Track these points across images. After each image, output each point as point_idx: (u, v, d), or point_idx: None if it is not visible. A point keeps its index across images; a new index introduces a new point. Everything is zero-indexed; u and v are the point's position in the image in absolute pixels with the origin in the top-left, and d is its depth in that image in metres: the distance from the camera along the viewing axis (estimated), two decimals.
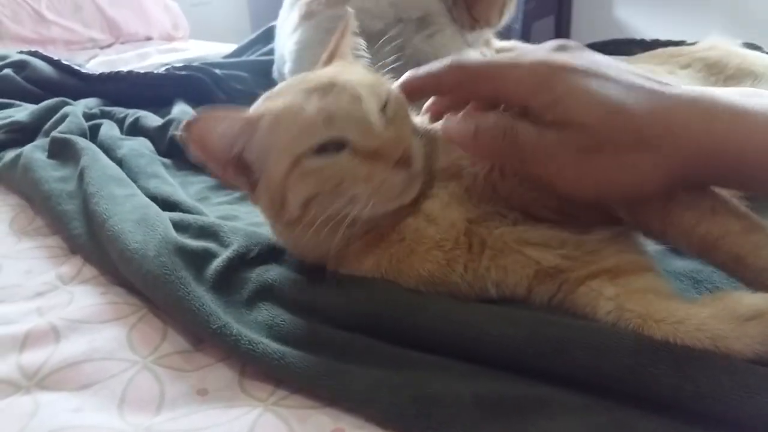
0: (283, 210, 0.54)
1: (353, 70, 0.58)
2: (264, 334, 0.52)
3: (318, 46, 1.09)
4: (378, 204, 0.51)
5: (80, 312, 0.60)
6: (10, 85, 1.32)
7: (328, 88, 0.53)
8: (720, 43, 0.92)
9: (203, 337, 0.55)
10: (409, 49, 1.13)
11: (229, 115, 0.54)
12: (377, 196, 0.51)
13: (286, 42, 1.16)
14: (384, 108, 0.54)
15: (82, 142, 0.92)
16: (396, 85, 0.56)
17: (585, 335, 0.44)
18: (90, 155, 0.86)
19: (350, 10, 0.65)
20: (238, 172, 0.56)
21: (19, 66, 1.38)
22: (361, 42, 0.66)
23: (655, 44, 1.19)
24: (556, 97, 0.46)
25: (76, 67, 1.38)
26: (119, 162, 0.91)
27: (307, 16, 1.13)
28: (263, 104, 0.57)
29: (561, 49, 0.50)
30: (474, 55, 1.20)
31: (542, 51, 0.50)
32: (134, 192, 0.77)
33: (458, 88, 0.52)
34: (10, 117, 1.12)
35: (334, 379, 0.46)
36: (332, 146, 0.51)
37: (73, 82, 1.34)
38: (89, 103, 1.22)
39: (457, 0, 1.11)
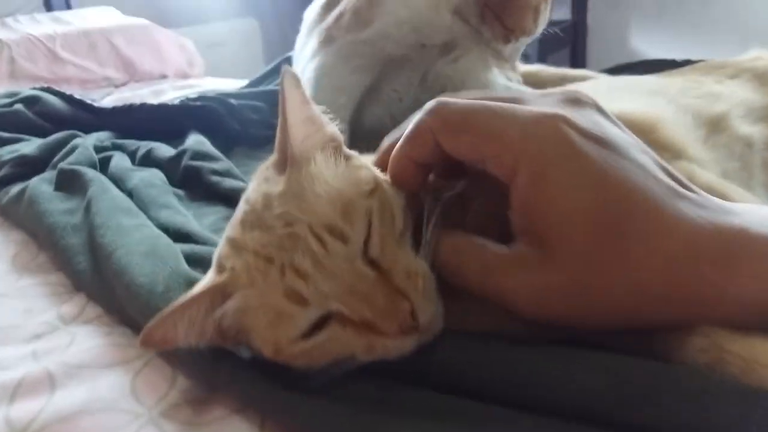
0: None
1: (315, 188, 0.45)
2: (283, 381, 0.45)
3: (337, 72, 1.04)
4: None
5: (80, 356, 0.54)
6: (21, 121, 1.28)
7: (289, 240, 0.43)
8: (765, 53, 0.86)
9: (216, 385, 0.48)
10: (432, 74, 1.07)
11: (187, 303, 0.44)
12: (386, 356, 0.43)
13: (304, 69, 1.11)
14: (368, 240, 0.43)
15: (91, 173, 0.87)
16: (374, 166, 0.48)
17: (677, 379, 0.36)
18: (98, 186, 0.81)
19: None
20: (224, 339, 0.47)
21: (30, 101, 1.34)
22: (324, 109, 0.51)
23: (687, 64, 1.13)
24: (548, 200, 0.40)
25: (89, 102, 1.34)
26: (129, 193, 0.85)
27: (326, 41, 1.08)
28: (230, 252, 0.46)
29: (574, 104, 0.44)
30: (499, 81, 1.14)
31: (549, 101, 0.44)
32: (144, 223, 0.71)
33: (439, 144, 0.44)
34: (17, 151, 1.07)
35: None
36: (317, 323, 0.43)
37: (86, 117, 1.30)
38: (101, 136, 1.18)
39: (485, 14, 1.05)
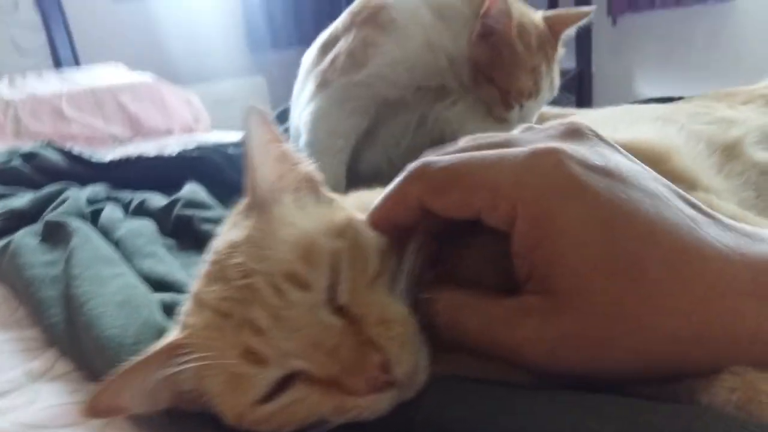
0: None
1: (278, 233, 0.41)
2: None
3: (333, 115, 1.02)
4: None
5: (39, 414, 0.50)
6: (17, 176, 1.27)
7: (247, 292, 0.38)
8: None
9: None
10: (431, 118, 1.04)
11: (135, 366, 0.40)
12: (360, 417, 0.37)
13: (301, 114, 1.09)
14: (335, 286, 0.39)
15: (76, 224, 0.83)
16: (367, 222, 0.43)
17: (705, 425, 0.31)
18: (82, 236, 0.78)
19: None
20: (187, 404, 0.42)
21: (28, 157, 1.33)
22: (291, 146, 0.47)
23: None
24: (552, 247, 0.35)
25: (86, 156, 1.33)
26: (116, 243, 0.82)
27: (322, 85, 1.06)
28: (192, 309, 0.42)
29: (572, 135, 0.39)
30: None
31: (543, 136, 0.40)
32: (124, 272, 0.67)
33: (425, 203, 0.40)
34: (9, 206, 1.05)
35: None
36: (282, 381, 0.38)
37: (83, 171, 1.29)
38: (96, 189, 1.15)
39: (478, 79, 0.97)
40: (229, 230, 0.44)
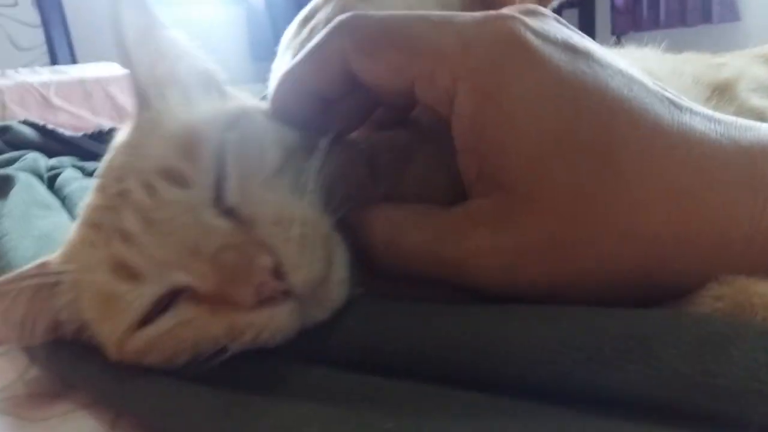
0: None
1: (158, 130, 0.35)
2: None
3: None
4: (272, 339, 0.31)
5: None
6: None
7: (119, 198, 0.33)
8: None
9: (71, 378, 0.37)
10: None
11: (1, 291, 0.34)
12: (259, 340, 0.31)
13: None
14: (222, 182, 0.32)
15: (23, 177, 0.78)
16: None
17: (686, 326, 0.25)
18: (24, 184, 0.72)
19: None
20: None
21: (0, 131, 1.29)
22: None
23: None
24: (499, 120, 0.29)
25: (60, 131, 1.29)
26: (63, 199, 0.77)
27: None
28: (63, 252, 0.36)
29: (530, 14, 0.33)
30: None
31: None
32: (56, 217, 0.62)
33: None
34: None
35: None
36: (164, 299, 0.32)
37: (56, 146, 1.24)
38: (63, 159, 1.11)
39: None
40: (118, 137, 0.38)
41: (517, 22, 0.30)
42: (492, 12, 0.31)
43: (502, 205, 0.29)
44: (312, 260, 0.31)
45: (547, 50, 0.30)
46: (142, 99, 0.36)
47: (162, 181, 0.32)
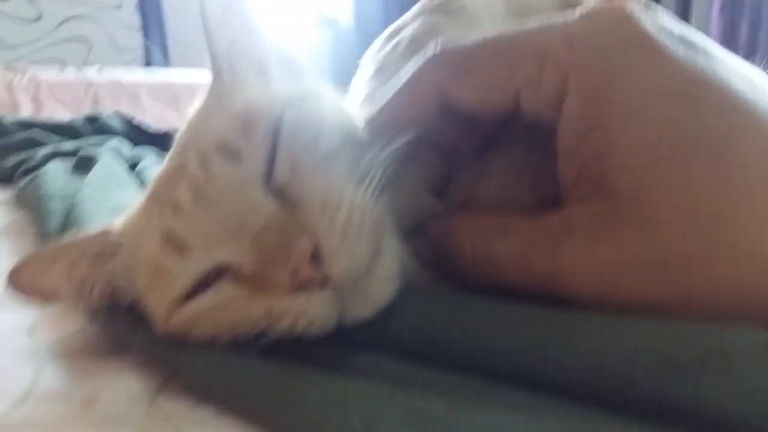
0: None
1: (226, 105, 0.35)
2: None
3: None
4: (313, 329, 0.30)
5: None
6: (75, 133, 1.28)
7: (178, 171, 0.33)
8: None
9: (127, 343, 0.38)
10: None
11: (64, 246, 0.36)
12: (297, 327, 0.30)
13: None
14: (272, 170, 0.32)
15: (106, 155, 0.81)
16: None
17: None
18: (106, 161, 0.75)
19: None
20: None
21: (90, 120, 1.36)
22: None
23: None
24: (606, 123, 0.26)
25: (146, 125, 1.35)
26: (142, 182, 0.79)
27: (380, 70, 1.02)
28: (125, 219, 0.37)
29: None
30: None
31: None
32: (133, 192, 0.64)
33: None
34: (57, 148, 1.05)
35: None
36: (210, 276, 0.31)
37: (140, 138, 1.30)
38: (145, 149, 1.15)
39: None
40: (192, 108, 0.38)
41: (631, 10, 0.28)
42: (598, 6, 0.29)
43: (602, 214, 0.26)
44: (355, 250, 0.29)
45: (666, 41, 0.27)
46: (217, 72, 0.36)
47: (217, 155, 0.31)
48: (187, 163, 0.32)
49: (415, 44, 1.07)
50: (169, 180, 0.33)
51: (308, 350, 0.30)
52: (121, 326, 0.37)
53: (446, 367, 0.28)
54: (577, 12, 0.29)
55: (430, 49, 0.32)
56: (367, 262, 0.29)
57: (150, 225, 0.33)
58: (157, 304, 0.33)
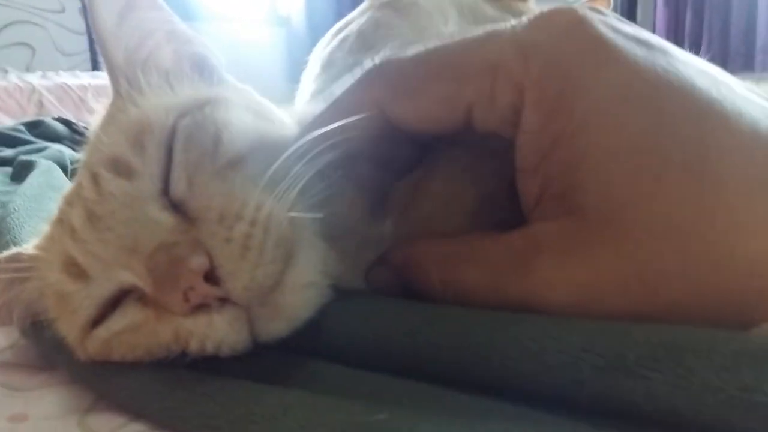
0: None
1: (122, 117, 0.32)
2: None
3: None
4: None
5: None
6: (16, 140, 1.23)
7: (75, 190, 0.32)
8: None
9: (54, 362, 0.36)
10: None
11: None
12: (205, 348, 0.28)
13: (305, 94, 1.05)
14: (168, 183, 0.29)
15: (44, 162, 0.78)
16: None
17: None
18: (44, 167, 0.72)
19: None
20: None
21: (33, 125, 1.31)
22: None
23: None
24: (573, 131, 0.25)
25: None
26: None
27: (327, 65, 1.01)
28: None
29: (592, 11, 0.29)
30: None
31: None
32: None
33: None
34: None
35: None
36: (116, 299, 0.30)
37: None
38: None
39: None
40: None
41: (583, 13, 0.26)
42: (547, 10, 0.27)
43: (572, 231, 0.25)
44: (258, 264, 0.27)
45: (622, 44, 0.25)
46: (114, 85, 0.34)
47: (107, 172, 0.29)
48: (81, 183, 0.30)
49: (362, 39, 1.06)
50: (69, 201, 0.31)
51: (249, 361, 0.28)
52: (47, 345, 0.35)
53: (394, 373, 0.27)
54: (525, 18, 0.28)
55: (368, 63, 0.30)
56: (275, 275, 0.27)
57: (53, 249, 0.31)
58: (67, 330, 0.31)
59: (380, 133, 0.30)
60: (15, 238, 0.47)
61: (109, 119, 0.33)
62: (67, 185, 0.68)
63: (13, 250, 0.35)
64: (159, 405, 0.27)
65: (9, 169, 0.86)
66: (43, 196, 0.59)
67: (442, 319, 0.27)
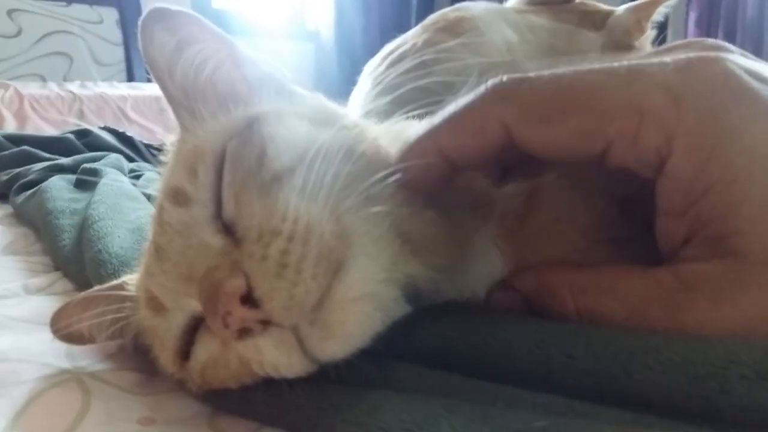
0: None
1: (184, 141, 0.34)
2: None
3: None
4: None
5: (26, 312, 0.44)
6: (69, 147, 1.26)
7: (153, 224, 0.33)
8: None
9: None
10: None
11: (91, 296, 0.37)
12: (269, 372, 0.28)
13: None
14: (220, 206, 0.29)
15: (110, 170, 0.80)
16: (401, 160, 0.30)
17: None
18: (111, 177, 0.74)
19: None
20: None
21: (81, 134, 1.33)
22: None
23: None
24: (732, 181, 0.26)
25: (138, 139, 1.33)
26: (148, 197, 0.78)
27: (382, 86, 1.02)
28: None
29: (717, 50, 0.29)
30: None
31: (684, 49, 0.30)
32: (146, 208, 0.63)
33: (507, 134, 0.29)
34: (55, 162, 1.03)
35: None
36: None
37: (135, 154, 1.28)
38: (143, 164, 1.13)
39: None
40: None
41: (728, 63, 0.27)
42: (696, 55, 0.28)
43: (728, 273, 0.26)
44: (296, 281, 0.26)
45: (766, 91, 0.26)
46: (178, 119, 0.35)
47: (167, 203, 0.30)
48: (152, 218, 0.32)
49: (420, 62, 1.06)
50: (150, 235, 0.33)
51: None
52: None
53: (525, 385, 0.27)
54: (670, 59, 0.28)
55: (490, 82, 0.30)
56: (319, 291, 0.26)
57: (140, 285, 0.32)
58: (166, 366, 0.32)
59: (500, 154, 0.30)
60: (107, 246, 0.48)
61: (175, 153, 0.34)
62: (135, 191, 0.70)
63: (116, 281, 0.37)
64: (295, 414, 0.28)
65: (69, 176, 0.88)
66: (122, 205, 0.60)
67: (574, 332, 0.27)
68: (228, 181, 0.29)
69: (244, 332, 0.26)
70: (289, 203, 0.27)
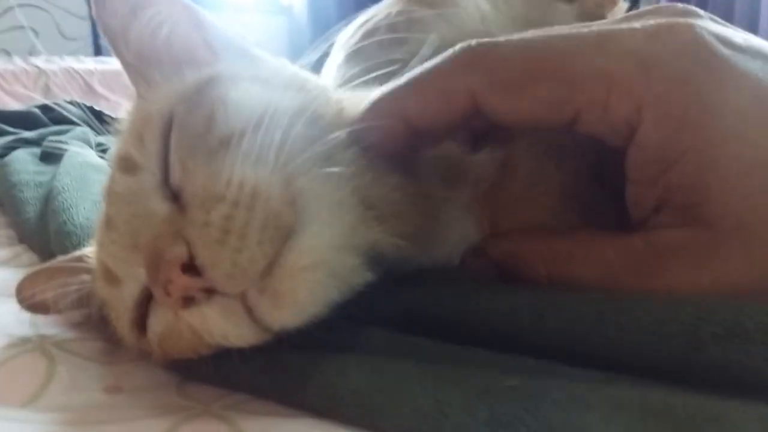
0: None
1: (136, 106, 0.33)
2: None
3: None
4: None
5: None
6: (33, 122, 1.22)
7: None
8: None
9: None
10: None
11: (53, 267, 0.36)
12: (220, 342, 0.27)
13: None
14: (167, 173, 0.28)
15: (77, 144, 0.78)
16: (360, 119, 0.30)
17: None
18: (77, 149, 0.72)
19: None
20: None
21: (47, 108, 1.30)
22: None
23: None
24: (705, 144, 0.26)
25: (107, 113, 1.30)
26: None
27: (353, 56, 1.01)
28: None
29: (687, 15, 0.28)
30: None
31: (654, 14, 0.29)
32: None
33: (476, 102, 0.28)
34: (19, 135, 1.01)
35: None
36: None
37: (101, 128, 1.25)
38: (111, 138, 1.11)
39: None
40: None
41: (698, 29, 0.26)
42: (664, 20, 0.27)
43: (700, 239, 0.26)
44: (240, 248, 0.25)
45: (740, 60, 0.26)
46: (135, 87, 0.34)
47: (117, 172, 0.29)
48: (104, 190, 0.31)
49: (393, 33, 1.05)
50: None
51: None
52: None
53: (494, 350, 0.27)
54: (640, 26, 0.27)
55: (457, 48, 0.29)
56: (266, 259, 0.25)
57: (95, 257, 0.32)
58: (124, 337, 0.31)
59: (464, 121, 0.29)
60: (71, 218, 0.47)
61: (129, 122, 0.32)
62: (101, 162, 0.68)
63: (77, 253, 0.36)
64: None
65: (34, 150, 0.86)
66: (87, 177, 0.59)
67: (546, 295, 0.28)
68: (175, 147, 0.28)
69: (188, 301, 0.25)
70: (234, 167, 0.26)
